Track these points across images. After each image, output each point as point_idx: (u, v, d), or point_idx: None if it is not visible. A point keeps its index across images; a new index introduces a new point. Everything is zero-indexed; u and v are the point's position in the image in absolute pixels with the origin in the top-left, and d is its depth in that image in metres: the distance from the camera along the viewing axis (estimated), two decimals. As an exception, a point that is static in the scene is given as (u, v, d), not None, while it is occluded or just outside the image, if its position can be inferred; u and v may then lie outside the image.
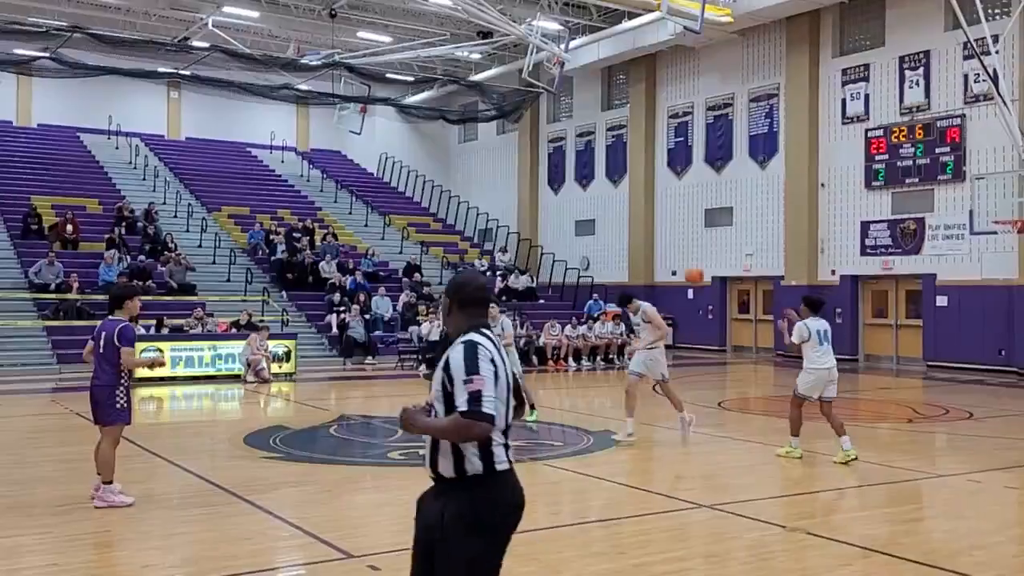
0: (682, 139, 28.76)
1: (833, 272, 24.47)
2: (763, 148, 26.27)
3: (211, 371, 19.07)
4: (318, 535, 6.83)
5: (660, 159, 29.46)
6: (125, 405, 7.90)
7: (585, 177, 32.12)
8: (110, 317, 8.04)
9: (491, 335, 3.53)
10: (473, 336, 3.49)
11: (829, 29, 24.73)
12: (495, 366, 3.42)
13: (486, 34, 27.38)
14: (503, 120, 32.28)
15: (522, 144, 34.28)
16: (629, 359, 12.81)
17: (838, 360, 10.67)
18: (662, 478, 9.84)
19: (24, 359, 19.68)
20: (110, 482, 7.77)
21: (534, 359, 22.91)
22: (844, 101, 24.28)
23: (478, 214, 34.46)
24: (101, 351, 7.88)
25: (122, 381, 7.89)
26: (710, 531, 7.34)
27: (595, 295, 27.02)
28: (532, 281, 29.46)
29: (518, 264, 31.16)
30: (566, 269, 29.99)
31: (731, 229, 27.13)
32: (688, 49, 27.49)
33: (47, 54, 23.46)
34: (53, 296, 21.57)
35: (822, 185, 24.75)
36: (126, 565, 6.37)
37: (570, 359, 23.07)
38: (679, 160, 28.85)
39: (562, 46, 25.98)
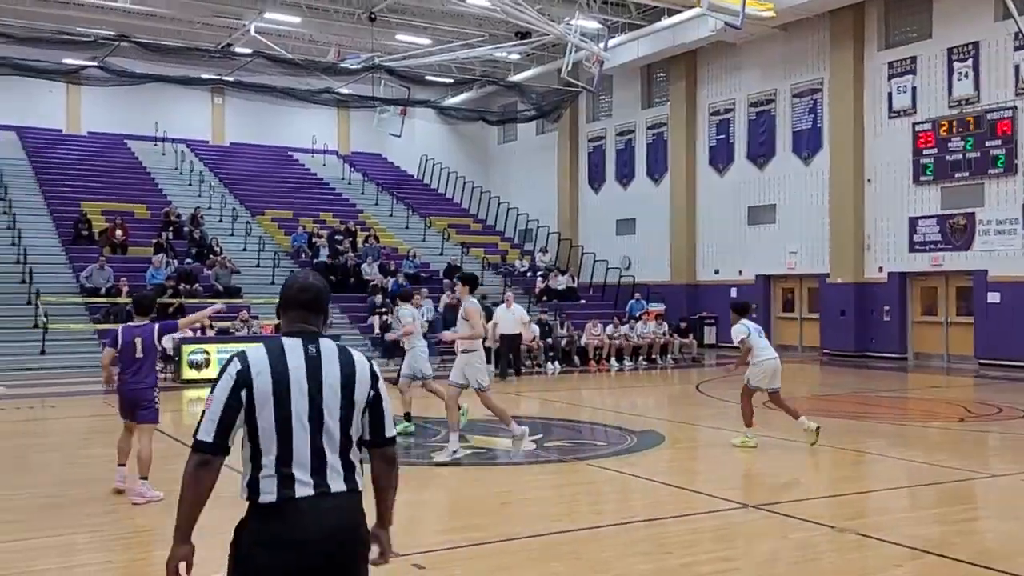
0: (723, 136, 28.53)
1: (880, 269, 24.12)
2: (807, 144, 25.97)
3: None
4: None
5: (701, 157, 29.25)
6: (159, 405, 8.37)
7: (625, 176, 31.99)
8: (133, 323, 8.41)
9: (293, 342, 3.13)
10: (256, 345, 3.18)
11: (874, 22, 24.39)
12: (239, 384, 3.03)
13: (524, 34, 27.39)
14: (542, 120, 32.26)
15: (562, 144, 34.24)
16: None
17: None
18: (706, 478, 9.76)
19: (76, 362, 20.05)
20: (146, 478, 8.02)
21: (576, 359, 22.85)
22: (890, 95, 23.92)
23: (518, 214, 34.47)
24: (140, 354, 8.18)
25: (157, 382, 8.40)
26: (757, 531, 7.26)
27: (636, 295, 26.88)
28: (573, 281, 29.39)
29: (558, 264, 31.12)
30: (607, 269, 29.89)
31: (774, 226, 26.85)
32: (729, 45, 27.26)
33: (95, 63, 23.92)
34: (104, 300, 21.95)
35: (868, 181, 24.40)
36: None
37: (612, 359, 22.98)
38: (721, 157, 28.62)
39: (601, 45, 25.91)
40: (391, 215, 33.08)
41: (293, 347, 3.13)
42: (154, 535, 7.07)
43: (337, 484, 3.06)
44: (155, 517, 7.45)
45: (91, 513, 7.71)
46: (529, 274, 29.53)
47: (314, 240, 27.67)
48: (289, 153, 36.76)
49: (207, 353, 18.61)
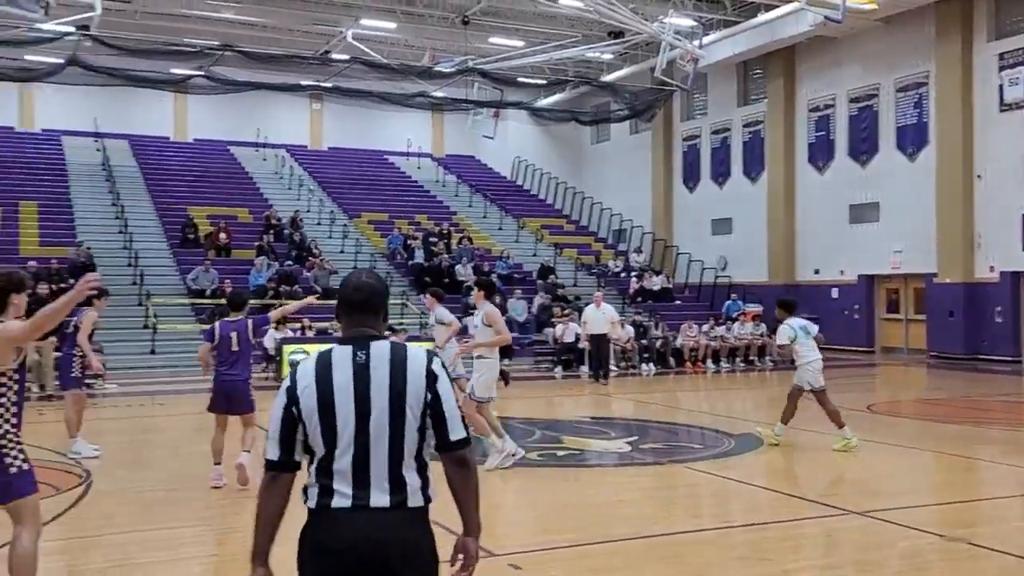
0: (823, 133, 27.83)
1: (992, 268, 23.16)
2: (912, 139, 25.13)
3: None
4: (458, 532, 6.91)
5: (800, 154, 28.60)
6: (253, 397, 8.75)
7: (721, 175, 31.50)
8: (228, 319, 8.86)
9: (343, 351, 3.02)
10: (310, 356, 3.10)
11: (983, 11, 23.45)
12: (289, 401, 3.00)
13: (618, 34, 27.22)
14: (636, 120, 32.00)
15: (655, 143, 33.93)
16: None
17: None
18: (808, 483, 9.53)
19: (184, 361, 20.74)
20: (249, 450, 8.55)
21: (671, 361, 22.61)
22: (1001, 87, 22.96)
23: (611, 215, 34.29)
24: (236, 348, 8.64)
25: (251, 376, 8.85)
26: (861, 538, 7.05)
27: (733, 295, 26.40)
28: (668, 281, 29.08)
29: (653, 264, 30.85)
30: (703, 269, 29.48)
31: (877, 225, 26.06)
32: (829, 40, 26.58)
33: (201, 72, 24.69)
34: (209, 301, 22.65)
35: (978, 177, 23.47)
36: (282, 558, 6.61)
37: (708, 361, 22.66)
38: (820, 155, 27.93)
39: (696, 42, 25.57)
40: (484, 216, 33.30)
41: (342, 357, 3.01)
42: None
43: (379, 498, 2.93)
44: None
45: (198, 508, 7.97)
46: (623, 275, 29.33)
47: (409, 242, 28.04)
48: (385, 156, 37.36)
49: (307, 353, 18.94)
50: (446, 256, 26.97)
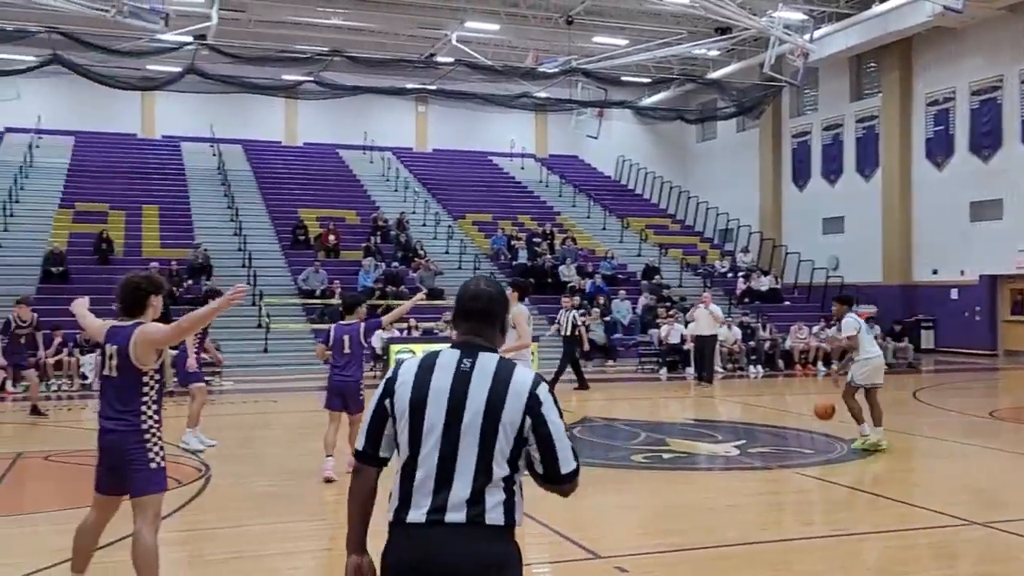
0: (942, 127, 26.79)
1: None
2: (1038, 133, 23.97)
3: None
4: (565, 534, 6.92)
5: (917, 150, 27.59)
6: (363, 397, 9.06)
7: (833, 172, 30.65)
8: (343, 322, 9.21)
9: (449, 356, 2.93)
10: (417, 355, 3.09)
11: (1115, -3, 22.24)
12: (385, 393, 2.94)
13: (725, 30, 26.79)
14: (743, 117, 31.45)
15: (764, 140, 33.25)
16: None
17: None
18: (925, 491, 9.18)
19: (295, 359, 21.34)
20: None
21: (780, 363, 22.13)
22: None
23: (718, 214, 33.74)
24: (348, 350, 8.99)
25: (363, 377, 9.19)
26: (984, 551, 6.76)
27: (845, 296, 25.60)
28: (776, 282, 28.45)
29: (761, 264, 30.22)
30: (813, 269, 28.72)
31: (1001, 223, 24.94)
32: (948, 30, 25.57)
33: (311, 78, 25.36)
34: (319, 301, 23.24)
35: (1109, 171, 22.25)
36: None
37: (818, 363, 22.07)
38: (939, 150, 26.89)
39: (806, 36, 24.96)
40: (588, 217, 33.20)
41: (447, 361, 2.92)
42: (375, 527, 7.40)
43: (457, 515, 2.76)
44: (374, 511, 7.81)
45: (311, 503, 8.18)
46: (730, 275, 28.84)
47: (513, 243, 28.17)
48: (488, 157, 37.63)
49: (413, 352, 19.30)
50: (549, 257, 27.00)
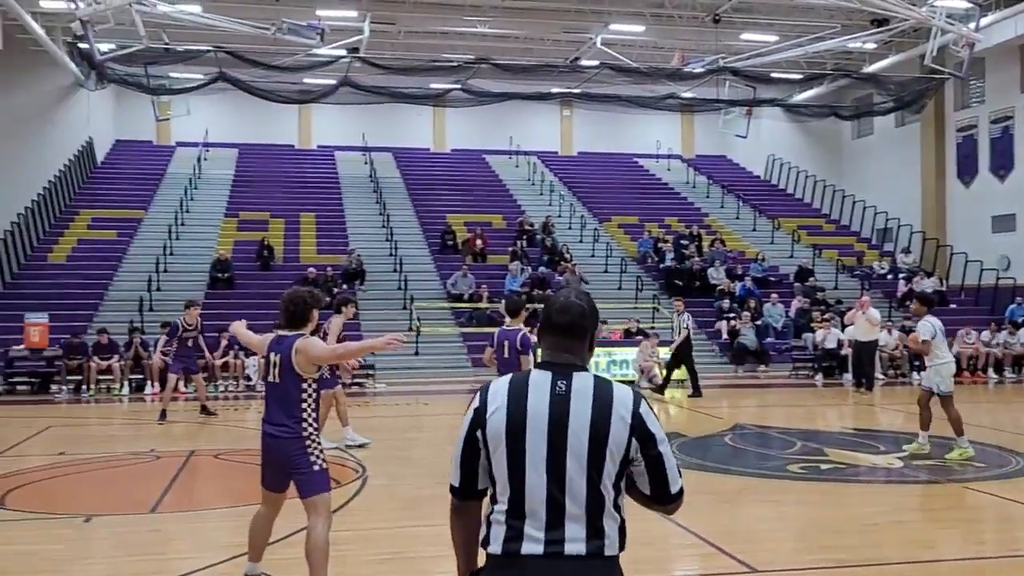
0: (1125, 117, 24.88)
1: None
2: None
3: (606, 377, 19.75)
4: (720, 546, 6.79)
5: (1096, 141, 25.72)
6: None
7: (1002, 167, 28.89)
8: (505, 326, 9.24)
9: (541, 377, 2.76)
10: (504, 379, 2.85)
11: None
12: (475, 423, 2.78)
13: (882, 21, 25.67)
14: (903, 111, 30.06)
15: (925, 135, 31.67)
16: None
17: None
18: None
19: (445, 363, 21.79)
20: None
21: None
22: None
23: (876, 213, 32.38)
24: (506, 355, 8.91)
25: None
26: None
27: (1018, 298, 24.15)
28: (941, 284, 27.06)
29: (923, 266, 28.81)
30: (981, 270, 27.17)
31: None
32: None
33: (458, 86, 25.86)
34: (467, 305, 23.66)
35: None
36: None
37: (989, 370, 20.89)
38: (1121, 141, 24.99)
39: (971, 25, 23.65)
40: (737, 217, 32.51)
41: (539, 383, 2.75)
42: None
43: (575, 546, 2.65)
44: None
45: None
46: (890, 277, 27.66)
47: (659, 245, 27.88)
48: (634, 159, 37.38)
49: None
50: (697, 259, 26.59)
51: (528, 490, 2.69)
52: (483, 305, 23.51)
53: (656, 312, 23.88)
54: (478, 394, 2.82)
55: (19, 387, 18.94)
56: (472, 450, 2.80)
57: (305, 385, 5.37)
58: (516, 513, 2.70)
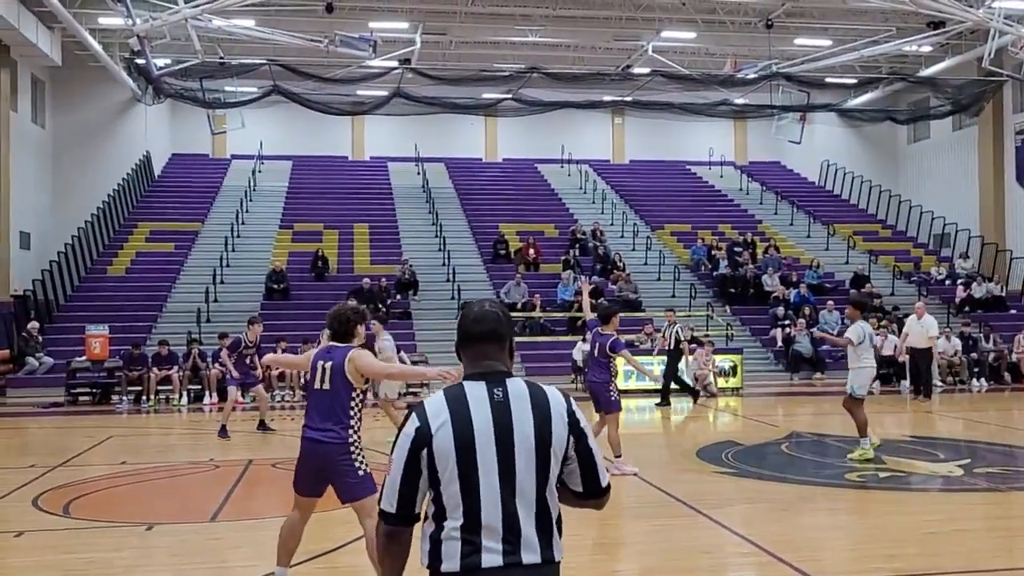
0: None
1: None
2: None
3: (660, 385, 19.63)
4: (777, 554, 6.73)
5: None
6: (616, 397, 10.09)
7: (1064, 170, 28.23)
8: (600, 330, 10.22)
9: (476, 388, 2.74)
10: (436, 395, 2.77)
11: None
12: (417, 445, 2.69)
13: (938, 24, 25.26)
14: (960, 115, 29.53)
15: (983, 139, 31.01)
16: None
17: None
18: None
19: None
20: (619, 456, 9.93)
21: (1006, 376, 20.60)
22: None
23: (933, 218, 31.80)
24: (596, 355, 10.17)
25: (613, 379, 10.17)
26: None
27: (1082, 304, 23.55)
28: (1000, 289, 26.48)
29: (982, 271, 28.20)
30: (1042, 275, 26.55)
31: None
32: None
33: (509, 95, 25.99)
34: (520, 314, 23.68)
35: None
36: (597, 569, 6.77)
37: (1051, 376, 20.39)
38: None
39: (1031, 25, 23.19)
40: (791, 224, 32.14)
41: (477, 393, 2.73)
42: (584, 540, 7.46)
43: (531, 555, 2.65)
44: (585, 527, 7.88)
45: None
46: (948, 282, 27.15)
47: (713, 252, 27.68)
48: (686, 167, 37.16)
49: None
50: (751, 266, 26.34)
51: (483, 502, 2.65)
52: (536, 314, 23.53)
53: (710, 320, 23.69)
54: (413, 414, 2.75)
55: (81, 398, 19.38)
56: (413, 473, 2.71)
57: (355, 393, 5.56)
58: (472, 527, 2.65)
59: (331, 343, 5.76)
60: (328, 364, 5.57)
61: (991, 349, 21.22)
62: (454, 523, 2.66)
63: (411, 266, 25.42)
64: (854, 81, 29.13)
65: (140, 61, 23.67)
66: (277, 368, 9.82)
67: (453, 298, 24.53)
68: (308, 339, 20.09)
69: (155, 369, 19.12)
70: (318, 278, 25.59)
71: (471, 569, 2.63)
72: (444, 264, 26.77)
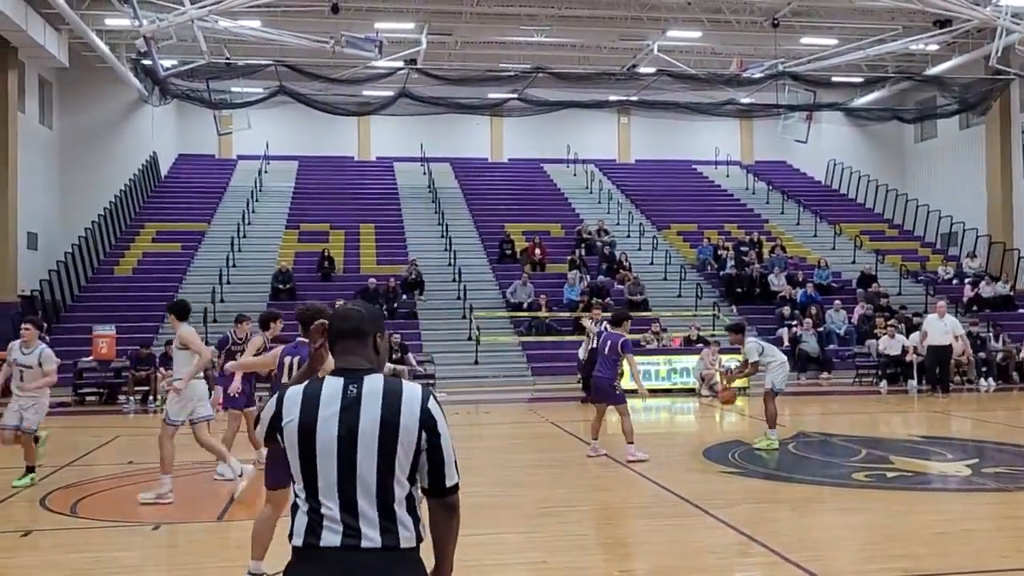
0: None
1: None
2: None
3: (667, 384, 19.66)
4: (784, 554, 6.70)
5: None
6: (621, 392, 11.01)
7: (1073, 168, 28.12)
8: (610, 330, 11.21)
9: (334, 384, 2.90)
10: (299, 387, 2.97)
11: None
12: (272, 429, 2.94)
13: (944, 22, 25.18)
14: (967, 114, 29.44)
15: (991, 137, 30.91)
16: None
17: None
18: None
19: (504, 371, 21.84)
20: (632, 443, 10.67)
21: (1015, 376, 20.54)
22: None
23: (940, 217, 31.70)
24: (606, 353, 10.96)
25: (618, 375, 11.02)
26: None
27: (1091, 303, 23.46)
28: (1009, 288, 26.38)
29: (990, 270, 28.10)
30: (1051, 274, 26.44)
31: None
32: None
33: (515, 95, 25.96)
34: (526, 314, 23.68)
35: None
36: (603, 568, 6.76)
37: (1059, 376, 20.32)
38: None
39: (1038, 24, 23.09)
40: (798, 223, 32.08)
41: (332, 389, 2.90)
42: (591, 540, 7.46)
43: (372, 538, 2.80)
44: (590, 526, 7.88)
45: (524, 515, 8.31)
46: (955, 282, 27.07)
47: (719, 252, 27.64)
48: (692, 166, 37.12)
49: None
50: (758, 266, 26.29)
51: (322, 490, 2.84)
52: (542, 314, 23.52)
53: (716, 319, 23.65)
54: (274, 400, 2.98)
55: (88, 398, 19.42)
56: (277, 447, 2.98)
57: None
58: (315, 510, 2.84)
59: (300, 339, 5.74)
60: (296, 360, 5.60)
61: (999, 349, 21.15)
62: (303, 505, 2.88)
63: (417, 266, 25.42)
64: (860, 80, 29.03)
65: (147, 62, 23.69)
66: (244, 369, 9.28)
67: (459, 298, 24.52)
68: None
69: (162, 369, 19.13)
70: (324, 278, 25.60)
71: (311, 546, 2.83)
72: (450, 264, 26.76)
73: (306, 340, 5.69)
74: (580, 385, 18.04)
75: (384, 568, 2.81)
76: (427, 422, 2.89)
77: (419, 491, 2.94)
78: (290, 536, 2.89)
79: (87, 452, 12.31)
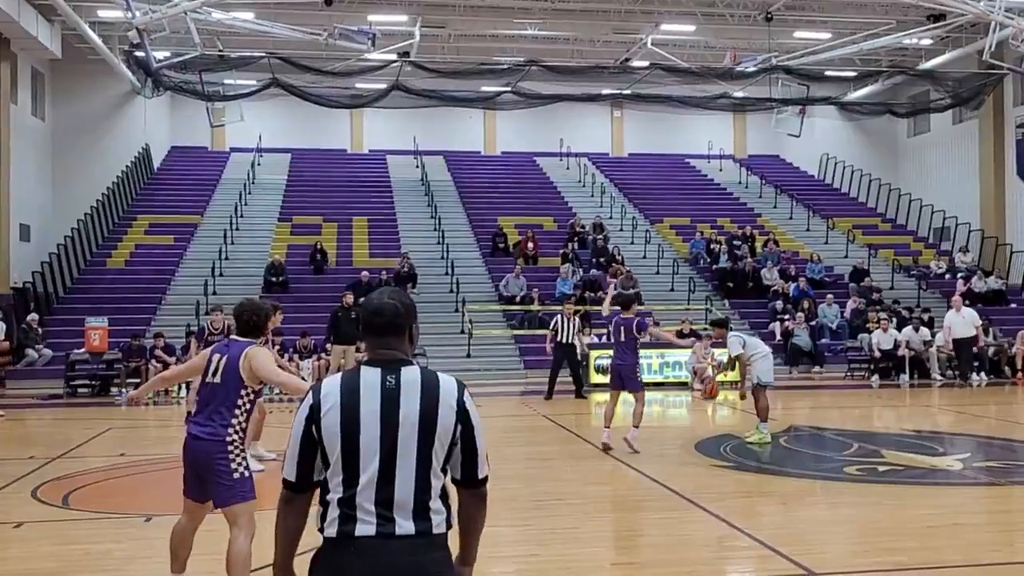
0: None
1: None
2: None
3: (659, 378, 19.69)
4: (775, 548, 6.73)
5: None
6: (641, 379, 11.22)
7: (1064, 164, 28.20)
8: (623, 315, 11.11)
9: (371, 373, 2.93)
10: (335, 377, 3.01)
11: None
12: (310, 420, 2.92)
13: (938, 16, 25.20)
14: (960, 108, 29.50)
15: (984, 132, 30.96)
16: None
17: None
18: None
19: (496, 365, 21.84)
20: (637, 426, 10.94)
21: (1006, 370, 20.61)
22: None
23: (933, 212, 31.78)
24: (623, 339, 11.02)
25: (639, 360, 11.27)
26: None
27: (1081, 298, 23.54)
28: (1001, 283, 26.47)
29: (982, 265, 28.21)
30: (1042, 268, 26.53)
31: None
32: None
33: (508, 88, 25.93)
34: (518, 307, 23.68)
35: None
36: (594, 561, 6.77)
37: (1051, 370, 20.41)
38: None
39: (1031, 19, 23.13)
40: (791, 218, 32.13)
41: (370, 379, 2.93)
42: (583, 533, 7.47)
43: (406, 526, 2.86)
44: (583, 518, 7.90)
45: (518, 508, 8.32)
46: (947, 276, 27.13)
47: (712, 246, 27.66)
48: (685, 160, 37.14)
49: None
50: (751, 260, 26.32)
51: (363, 480, 2.87)
52: (535, 307, 23.52)
53: (709, 313, 23.66)
54: (311, 392, 2.99)
55: (80, 390, 19.37)
56: (309, 445, 2.94)
57: (245, 391, 5.29)
58: (351, 500, 2.87)
59: (233, 336, 5.53)
60: (223, 358, 5.30)
61: (992, 343, 21.21)
62: (336, 495, 2.89)
63: (410, 259, 25.39)
64: (854, 74, 29.10)
65: (139, 54, 23.60)
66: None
67: (452, 291, 24.51)
68: (306, 332, 20.11)
69: (154, 361, 19.12)
70: (317, 271, 25.57)
71: (346, 536, 2.86)
72: (443, 257, 26.75)
73: (238, 338, 5.48)
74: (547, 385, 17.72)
75: (416, 551, 2.87)
76: (463, 415, 2.96)
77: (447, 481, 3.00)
78: (321, 528, 2.92)
79: (79, 444, 12.29)
